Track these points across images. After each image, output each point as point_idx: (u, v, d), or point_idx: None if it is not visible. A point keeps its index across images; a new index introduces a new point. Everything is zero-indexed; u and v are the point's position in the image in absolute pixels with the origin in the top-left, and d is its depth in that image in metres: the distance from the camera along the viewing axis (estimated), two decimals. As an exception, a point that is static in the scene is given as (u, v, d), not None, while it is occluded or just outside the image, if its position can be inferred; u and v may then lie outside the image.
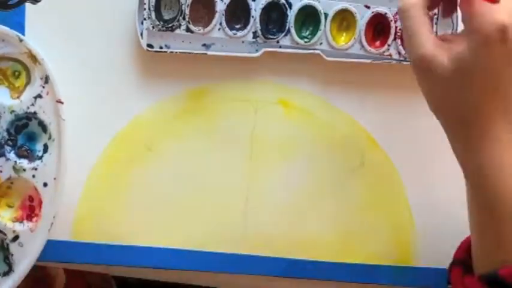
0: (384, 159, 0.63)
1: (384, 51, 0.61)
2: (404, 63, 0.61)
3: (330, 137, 0.63)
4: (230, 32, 0.60)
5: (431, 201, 0.63)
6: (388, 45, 0.61)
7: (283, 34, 0.60)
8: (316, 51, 0.61)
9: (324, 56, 0.61)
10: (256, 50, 0.61)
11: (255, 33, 0.60)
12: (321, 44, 0.61)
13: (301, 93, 0.62)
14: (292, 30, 0.60)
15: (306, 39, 0.61)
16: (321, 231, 0.63)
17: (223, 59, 0.61)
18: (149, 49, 0.60)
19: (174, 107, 0.62)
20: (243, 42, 0.61)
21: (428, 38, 0.50)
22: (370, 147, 0.63)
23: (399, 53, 0.61)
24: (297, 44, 0.61)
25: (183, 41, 0.61)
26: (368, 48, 0.61)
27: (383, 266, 0.63)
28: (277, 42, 0.61)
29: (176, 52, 0.61)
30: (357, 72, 0.62)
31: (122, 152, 0.63)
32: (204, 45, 0.61)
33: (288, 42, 0.61)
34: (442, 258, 0.63)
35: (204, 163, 0.62)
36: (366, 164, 0.63)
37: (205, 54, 0.61)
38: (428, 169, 0.63)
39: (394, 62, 0.61)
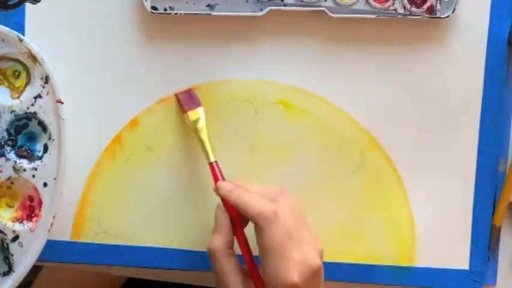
0: (384, 159, 0.63)
1: (388, 6, 0.60)
2: (410, 17, 0.61)
3: (330, 137, 0.63)
4: (234, -9, 0.60)
5: (432, 201, 0.63)
6: (393, 0, 0.60)
7: (288, -9, 0.60)
8: (321, 8, 0.60)
9: (329, 13, 0.60)
10: (261, 9, 0.61)
11: (259, -9, 0.60)
12: (325, 0, 0.61)
13: (301, 93, 0.62)
14: (296, -14, 0.60)
15: (310, -4, 0.60)
16: (320, 231, 0.63)
17: (227, 19, 0.61)
18: (153, 11, 0.60)
19: (174, 107, 0.62)
20: (247, 1, 0.61)
21: (234, 281, 0.56)
22: (370, 147, 0.63)
23: (404, 8, 0.60)
24: (302, 1, 0.60)
25: (187, 2, 0.61)
26: (373, 3, 0.60)
27: (383, 266, 0.63)
28: (282, 0, 0.60)
29: (180, 13, 0.60)
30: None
31: (122, 152, 0.63)
32: (208, 5, 0.61)
33: (292, 0, 0.61)
34: (442, 258, 0.64)
35: (204, 163, 0.62)
36: (365, 164, 0.63)
37: (210, 14, 0.60)
38: (429, 169, 0.63)
39: (400, 16, 0.61)
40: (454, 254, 0.63)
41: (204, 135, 0.60)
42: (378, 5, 0.61)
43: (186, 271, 0.64)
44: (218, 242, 0.56)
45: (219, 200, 0.59)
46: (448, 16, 0.60)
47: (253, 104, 0.63)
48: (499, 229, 0.63)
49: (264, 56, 0.62)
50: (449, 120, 0.63)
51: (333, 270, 0.63)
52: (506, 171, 0.63)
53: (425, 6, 0.60)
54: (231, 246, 0.57)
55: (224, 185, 0.58)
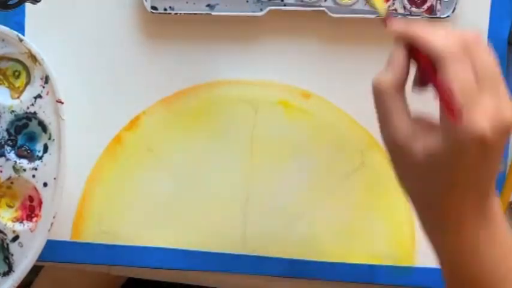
0: (384, 159, 0.63)
1: (388, 6, 0.60)
2: (410, 17, 0.61)
3: (330, 137, 0.63)
4: (234, -10, 0.60)
5: (431, 201, 0.63)
6: (393, 0, 0.61)
7: (288, -9, 0.60)
8: (321, 8, 0.60)
9: (329, 13, 0.60)
10: (261, 9, 0.61)
11: (259, -9, 0.60)
12: (325, 0, 0.61)
13: (301, 93, 0.63)
14: (296, -14, 0.60)
15: (310, -4, 0.60)
16: (321, 231, 0.63)
17: (227, 19, 0.61)
18: (153, 11, 0.60)
19: (174, 107, 0.62)
20: (247, 1, 0.61)
21: (401, 125, 0.47)
22: (370, 147, 0.63)
23: (404, 8, 0.60)
24: (302, 1, 0.60)
25: (187, 2, 0.61)
26: None
27: (383, 266, 0.63)
28: (282, 0, 0.60)
29: (180, 13, 0.61)
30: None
31: (122, 152, 0.63)
32: (208, 5, 0.61)
33: (292, 0, 0.60)
34: (442, 258, 0.63)
35: (204, 163, 0.62)
36: (366, 163, 0.63)
37: (210, 14, 0.60)
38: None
39: (400, 16, 0.61)
40: (454, 254, 0.63)
41: None
42: None
43: (186, 271, 0.64)
44: (385, 79, 0.47)
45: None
46: (448, 16, 0.60)
47: (253, 104, 0.63)
48: (499, 229, 0.63)
49: (264, 56, 0.62)
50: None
51: (333, 270, 0.63)
52: (506, 171, 0.63)
53: (425, 6, 0.60)
54: (399, 89, 0.47)
55: (397, 22, 0.48)
